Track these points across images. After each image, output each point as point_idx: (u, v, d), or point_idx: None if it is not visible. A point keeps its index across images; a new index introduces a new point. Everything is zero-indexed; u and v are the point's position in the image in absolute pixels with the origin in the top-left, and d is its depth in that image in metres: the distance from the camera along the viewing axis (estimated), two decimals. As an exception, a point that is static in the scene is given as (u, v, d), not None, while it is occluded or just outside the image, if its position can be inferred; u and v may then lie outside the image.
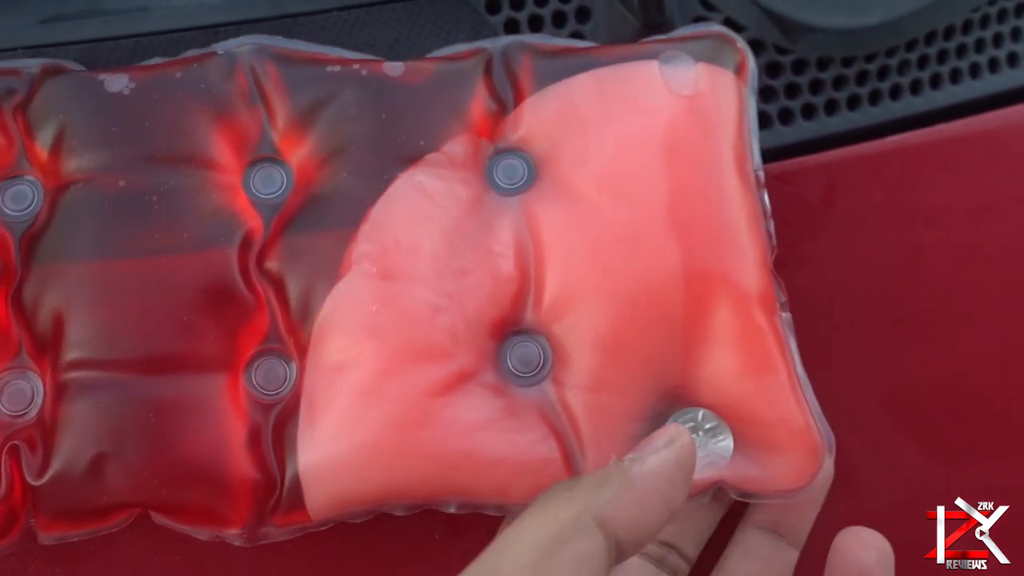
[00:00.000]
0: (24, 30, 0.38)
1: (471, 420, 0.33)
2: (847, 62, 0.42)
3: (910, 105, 0.43)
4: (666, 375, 0.34)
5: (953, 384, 0.40)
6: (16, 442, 0.32)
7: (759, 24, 0.41)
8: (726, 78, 0.36)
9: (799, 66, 0.41)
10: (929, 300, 0.41)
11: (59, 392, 0.33)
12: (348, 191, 0.34)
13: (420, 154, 0.35)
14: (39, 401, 0.33)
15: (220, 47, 0.36)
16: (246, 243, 0.34)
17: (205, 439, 0.32)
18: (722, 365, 0.34)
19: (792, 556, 0.36)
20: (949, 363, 0.40)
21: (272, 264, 0.34)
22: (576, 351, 0.34)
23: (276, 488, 0.33)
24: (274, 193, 0.35)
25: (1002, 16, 0.45)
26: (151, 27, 0.38)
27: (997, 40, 0.45)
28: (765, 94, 0.41)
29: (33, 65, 0.36)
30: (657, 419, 0.34)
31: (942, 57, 0.44)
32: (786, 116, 0.42)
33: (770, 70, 0.41)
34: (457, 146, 0.36)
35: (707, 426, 0.34)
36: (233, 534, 0.33)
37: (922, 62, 0.43)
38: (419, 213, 0.34)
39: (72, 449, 0.32)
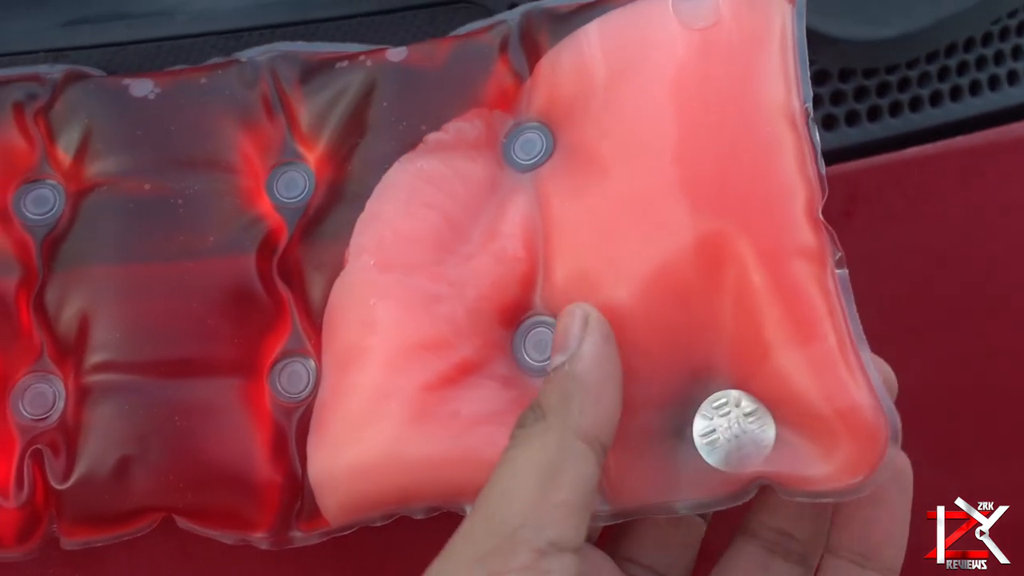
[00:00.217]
0: (46, 33, 0.38)
1: (474, 414, 0.31)
2: (869, 74, 0.42)
3: (929, 117, 0.43)
4: (692, 354, 0.30)
5: (954, 385, 0.40)
6: (39, 446, 0.32)
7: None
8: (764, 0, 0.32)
9: (821, 77, 0.41)
10: (946, 309, 0.41)
11: (82, 395, 0.32)
12: (361, 186, 0.34)
13: (421, 138, 0.34)
14: (60, 405, 0.33)
15: (243, 55, 0.36)
16: (269, 247, 0.34)
17: (230, 442, 0.32)
18: (754, 336, 0.30)
19: None
20: (950, 364, 0.40)
21: (293, 267, 0.34)
22: None
23: (300, 492, 0.32)
24: (297, 197, 0.35)
25: (1021, 28, 0.45)
26: (174, 31, 0.38)
27: (1016, 52, 0.45)
28: (787, 104, 0.41)
29: (55, 71, 0.36)
30: (686, 405, 0.30)
31: (962, 69, 0.44)
32: (807, 127, 0.42)
33: (792, 81, 0.41)
34: (468, 125, 0.34)
35: (746, 411, 0.30)
36: (259, 537, 0.33)
37: (942, 74, 0.43)
38: (417, 199, 0.33)
39: (96, 452, 0.32)
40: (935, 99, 0.43)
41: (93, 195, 0.34)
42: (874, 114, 0.42)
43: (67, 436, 0.32)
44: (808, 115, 0.31)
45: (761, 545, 0.32)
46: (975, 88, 0.44)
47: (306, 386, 0.33)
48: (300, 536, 0.33)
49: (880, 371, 0.30)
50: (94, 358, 0.33)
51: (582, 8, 0.34)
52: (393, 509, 0.32)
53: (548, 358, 0.31)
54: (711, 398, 0.30)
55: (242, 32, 0.38)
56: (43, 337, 0.33)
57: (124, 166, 0.34)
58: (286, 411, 0.33)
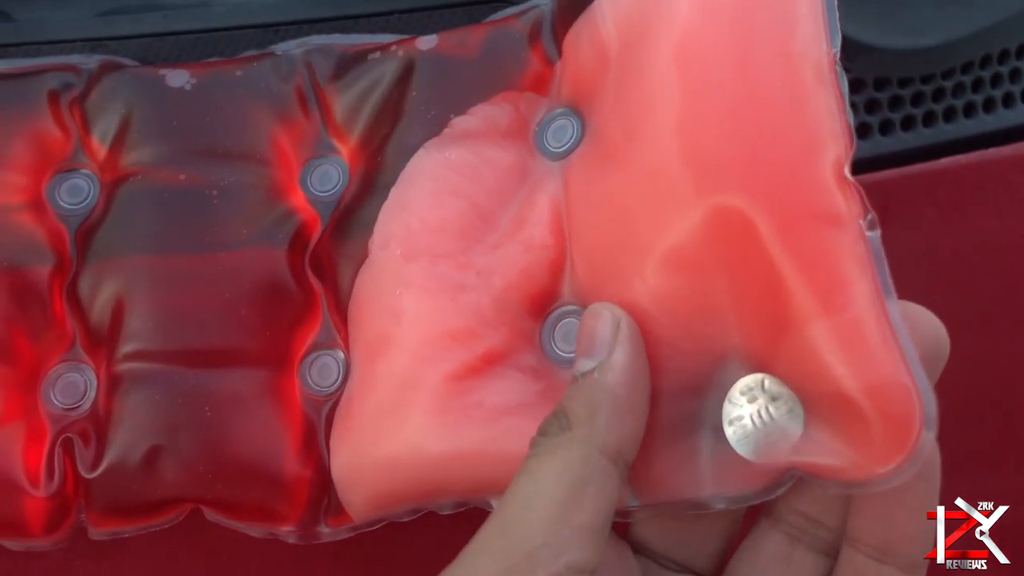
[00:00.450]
0: (83, 23, 0.38)
1: (499, 405, 0.30)
2: (904, 83, 0.42)
3: (963, 127, 0.43)
4: (715, 338, 0.28)
5: (953, 385, 0.40)
6: (70, 435, 0.32)
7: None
8: None
9: (856, 86, 0.41)
10: (969, 316, 0.40)
11: (114, 384, 0.32)
12: (393, 176, 0.34)
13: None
14: (92, 394, 0.33)
15: (278, 48, 0.36)
16: (302, 240, 0.34)
17: (260, 435, 0.32)
18: (777, 313, 0.27)
19: None
20: (958, 368, 0.40)
21: (326, 260, 0.34)
22: None
23: (329, 487, 0.32)
24: (330, 190, 0.35)
25: (1056, 41, 0.45)
26: (210, 24, 0.38)
27: (1050, 66, 0.45)
28: (821, 112, 0.41)
29: (91, 60, 0.36)
30: (712, 393, 0.28)
31: (995, 81, 0.43)
32: (841, 135, 0.42)
33: (826, 89, 0.41)
34: (498, 110, 0.33)
35: (773, 395, 0.27)
36: (287, 531, 0.32)
37: (976, 85, 0.43)
38: (445, 188, 0.33)
39: (126, 441, 0.32)
40: (968, 110, 0.43)
41: (127, 185, 0.34)
42: (908, 124, 0.42)
43: (98, 425, 0.32)
44: (835, 60, 0.28)
45: (784, 532, 0.30)
46: (1008, 100, 0.44)
47: (336, 379, 0.33)
48: (328, 531, 0.33)
49: (928, 330, 0.26)
50: (126, 347, 0.33)
51: None
52: (419, 503, 0.32)
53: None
54: (737, 385, 0.28)
55: (280, 26, 0.38)
56: (76, 326, 0.33)
57: (159, 156, 0.34)
58: (315, 404, 0.33)
